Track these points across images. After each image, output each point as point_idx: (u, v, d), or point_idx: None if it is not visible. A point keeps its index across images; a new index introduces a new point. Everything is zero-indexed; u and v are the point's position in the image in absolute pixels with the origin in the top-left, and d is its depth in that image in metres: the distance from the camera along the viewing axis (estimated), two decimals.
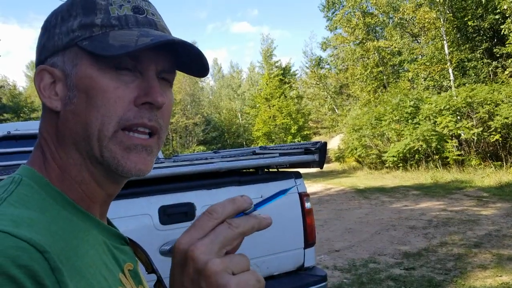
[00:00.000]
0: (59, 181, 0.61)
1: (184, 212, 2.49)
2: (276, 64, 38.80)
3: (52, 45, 0.63)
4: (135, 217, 2.36)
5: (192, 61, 0.66)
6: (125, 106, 0.60)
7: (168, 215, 2.44)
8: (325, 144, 2.90)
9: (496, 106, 14.38)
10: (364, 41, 25.38)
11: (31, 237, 0.46)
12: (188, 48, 0.63)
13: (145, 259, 0.78)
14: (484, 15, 18.63)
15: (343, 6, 27.31)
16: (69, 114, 0.61)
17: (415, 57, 21.21)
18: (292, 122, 34.15)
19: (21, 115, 38.97)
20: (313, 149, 2.89)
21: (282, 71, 37.86)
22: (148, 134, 0.63)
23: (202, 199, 2.58)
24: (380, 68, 24.90)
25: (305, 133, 34.59)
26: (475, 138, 14.89)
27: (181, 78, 39.42)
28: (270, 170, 3.13)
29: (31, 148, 0.67)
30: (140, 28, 0.62)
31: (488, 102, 14.49)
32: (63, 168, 0.62)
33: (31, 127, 4.06)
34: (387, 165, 17.77)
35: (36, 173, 0.60)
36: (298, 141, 31.32)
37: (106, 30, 0.61)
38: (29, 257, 0.44)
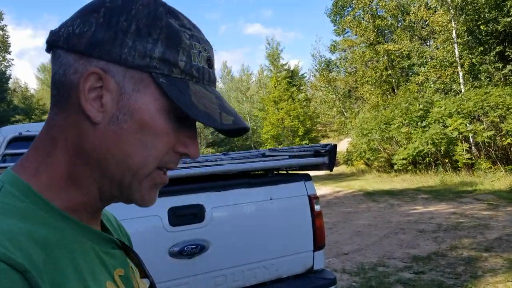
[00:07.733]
0: (54, 187, 0.57)
1: (193, 214, 2.50)
2: (284, 67, 38.69)
3: (118, 53, 0.56)
4: (144, 218, 2.36)
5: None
6: (167, 151, 0.61)
7: (178, 216, 2.44)
8: (335, 146, 2.88)
9: (507, 110, 14.27)
10: (375, 43, 25.26)
11: (10, 255, 0.45)
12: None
13: (138, 263, 0.75)
14: (497, 17, 18.48)
15: (352, 8, 27.19)
16: (111, 134, 0.57)
17: (424, 60, 21.08)
18: (299, 124, 34.10)
19: (33, 116, 39.48)
20: (323, 151, 2.88)
21: (290, 74, 37.74)
22: None
23: (211, 201, 2.58)
24: (390, 71, 24.79)
25: (312, 135, 34.53)
26: (489, 141, 14.74)
27: None
28: (280, 172, 3.13)
29: None
30: (210, 87, 0.62)
31: (500, 106, 14.37)
32: (67, 176, 0.58)
33: None
34: (396, 168, 17.67)
35: (19, 180, 0.56)
36: (305, 143, 31.25)
37: (185, 77, 0.58)
38: (9, 280, 0.44)
